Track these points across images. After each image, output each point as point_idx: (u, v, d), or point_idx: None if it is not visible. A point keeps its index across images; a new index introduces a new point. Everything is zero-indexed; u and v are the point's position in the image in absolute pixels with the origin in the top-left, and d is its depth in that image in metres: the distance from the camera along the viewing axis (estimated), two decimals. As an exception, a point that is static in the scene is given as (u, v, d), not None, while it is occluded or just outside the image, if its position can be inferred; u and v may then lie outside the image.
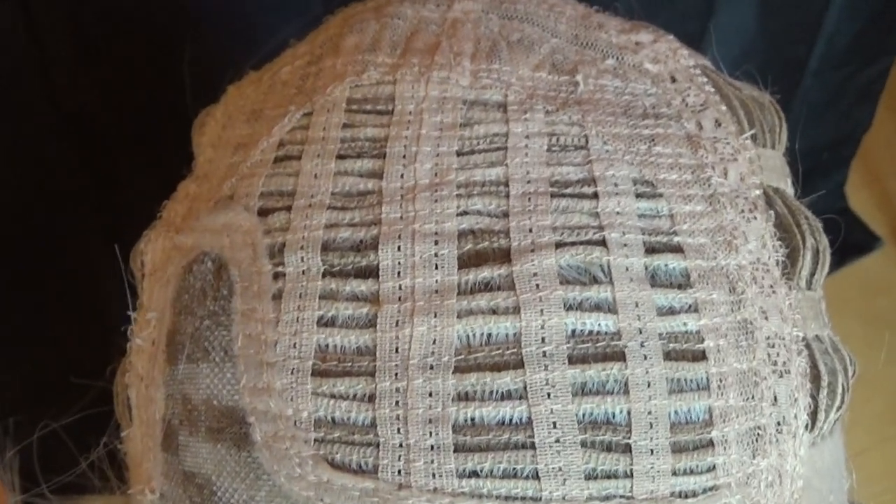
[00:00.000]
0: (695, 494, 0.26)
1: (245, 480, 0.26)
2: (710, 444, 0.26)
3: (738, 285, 0.28)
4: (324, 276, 0.27)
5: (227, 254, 0.28)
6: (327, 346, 0.26)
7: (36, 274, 0.67)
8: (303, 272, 0.27)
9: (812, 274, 0.30)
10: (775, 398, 0.27)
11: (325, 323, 0.27)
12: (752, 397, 0.27)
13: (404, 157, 0.29)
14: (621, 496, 0.26)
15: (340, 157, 0.29)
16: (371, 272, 0.27)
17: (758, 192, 0.30)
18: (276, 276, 0.27)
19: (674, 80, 0.32)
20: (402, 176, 0.28)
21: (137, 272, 0.31)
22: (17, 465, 0.38)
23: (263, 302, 0.27)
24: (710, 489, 0.26)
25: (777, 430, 0.27)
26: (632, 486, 0.26)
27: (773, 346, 0.28)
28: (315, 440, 0.26)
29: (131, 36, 0.60)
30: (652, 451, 0.26)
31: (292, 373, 0.26)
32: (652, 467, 0.26)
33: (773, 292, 0.28)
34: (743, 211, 0.29)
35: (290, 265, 0.27)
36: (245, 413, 0.27)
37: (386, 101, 0.30)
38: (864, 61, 1.02)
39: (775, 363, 0.28)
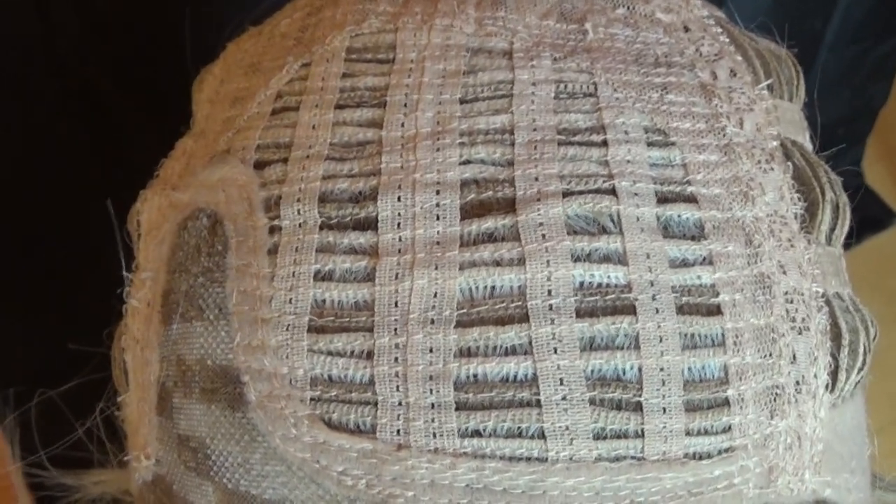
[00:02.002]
0: (709, 456, 0.25)
1: (240, 443, 0.26)
2: (726, 402, 0.26)
3: (755, 238, 0.27)
4: (321, 228, 0.26)
5: (223, 209, 0.27)
6: (324, 301, 0.26)
7: (41, 245, 0.67)
8: (299, 225, 0.26)
9: (832, 229, 0.29)
10: (794, 356, 0.26)
11: (322, 277, 0.26)
12: (770, 354, 0.26)
13: (405, 105, 0.28)
14: (632, 457, 0.25)
15: (339, 107, 0.28)
16: (370, 224, 0.26)
17: (775, 143, 0.29)
18: (272, 230, 0.26)
19: (687, 29, 0.31)
20: (402, 125, 0.27)
21: (134, 233, 0.30)
22: (18, 434, 0.38)
23: (259, 257, 0.26)
24: (726, 450, 0.26)
25: (796, 389, 0.26)
26: (643, 447, 0.25)
27: (792, 302, 0.27)
28: (311, 399, 0.25)
29: (135, 3, 0.60)
30: (664, 409, 0.25)
31: (287, 329, 0.26)
32: (664, 427, 0.25)
33: (792, 246, 0.27)
34: (759, 161, 0.28)
35: (287, 218, 0.26)
36: (239, 372, 0.26)
37: (387, 50, 0.29)
38: (880, 36, 1.01)
39: (794, 319, 0.27)
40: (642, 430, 0.25)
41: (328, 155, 0.27)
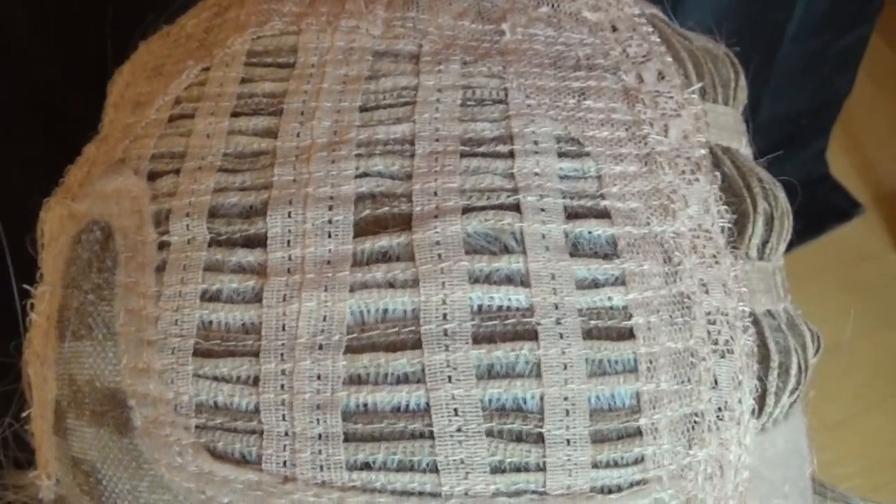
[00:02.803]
0: (619, 489, 0.24)
1: (128, 469, 0.25)
2: (638, 432, 0.24)
3: (675, 255, 0.25)
4: (209, 245, 0.25)
5: (115, 222, 0.26)
6: (211, 322, 0.24)
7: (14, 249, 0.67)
8: (188, 241, 0.25)
9: (765, 242, 0.28)
10: (715, 381, 0.25)
11: (210, 297, 0.24)
12: (688, 380, 0.25)
13: (302, 113, 0.26)
14: (533, 491, 0.23)
15: (235, 114, 0.26)
16: (259, 241, 0.25)
17: (702, 151, 0.27)
18: (161, 245, 0.25)
19: (614, 28, 0.29)
20: (297, 135, 0.26)
21: (39, 242, 0.29)
22: None
23: (146, 274, 0.25)
24: (638, 483, 0.24)
25: (718, 416, 0.25)
26: (545, 480, 0.23)
27: (714, 323, 0.25)
28: (196, 426, 0.24)
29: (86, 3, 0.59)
30: (568, 441, 0.23)
31: (173, 352, 0.24)
32: (568, 459, 0.23)
33: (716, 262, 0.26)
34: (683, 172, 0.27)
35: (175, 234, 0.25)
36: (126, 396, 0.25)
37: (288, 53, 0.27)
38: (842, 28, 1.02)
39: (716, 342, 0.25)
40: (544, 463, 0.23)
41: (221, 166, 0.26)
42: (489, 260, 0.24)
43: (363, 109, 0.26)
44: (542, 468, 0.23)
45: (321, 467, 0.23)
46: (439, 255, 0.24)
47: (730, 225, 0.27)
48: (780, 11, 0.94)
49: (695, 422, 0.25)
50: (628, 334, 0.24)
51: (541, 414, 0.23)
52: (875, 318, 1.12)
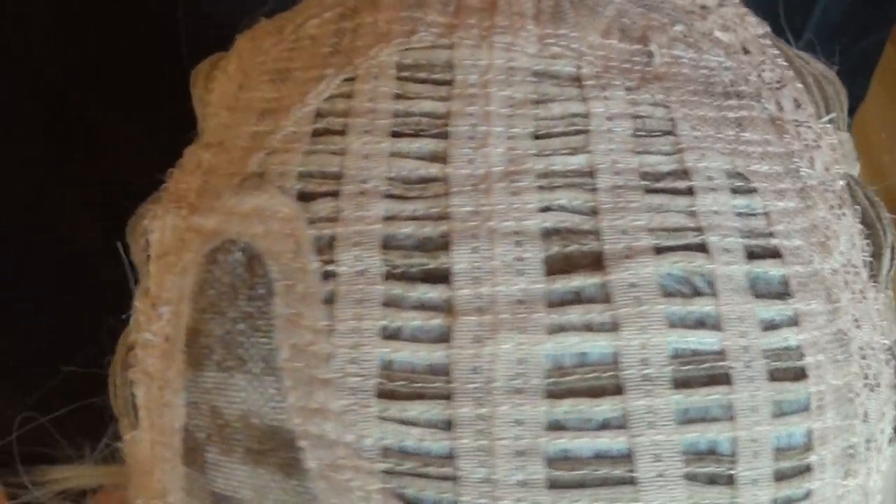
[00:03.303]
0: None
1: None
2: (808, 469, 0.24)
3: (833, 292, 0.26)
4: (386, 278, 0.23)
5: (262, 244, 0.24)
6: (391, 362, 0.23)
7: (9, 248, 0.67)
8: (359, 273, 0.23)
9: (888, 272, 0.28)
10: (866, 414, 0.26)
11: (390, 335, 0.23)
12: (847, 416, 0.25)
13: (472, 138, 0.25)
14: None
15: (395, 134, 0.25)
16: (441, 277, 0.23)
17: (842, 182, 0.28)
18: (326, 275, 0.24)
19: (746, 51, 0.29)
20: (470, 161, 0.24)
21: (139, 252, 0.28)
22: None
23: (312, 307, 0.23)
24: None
25: (867, 447, 0.26)
26: None
27: (865, 358, 0.26)
28: (383, 472, 0.23)
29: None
30: (755, 481, 0.24)
31: (353, 392, 0.23)
32: (754, 498, 0.24)
33: (864, 297, 0.26)
34: (832, 206, 0.27)
35: (344, 264, 0.24)
36: (294, 436, 0.23)
37: (443, 70, 0.26)
38: (857, 33, 1.02)
39: (867, 376, 0.26)
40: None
41: (387, 192, 0.24)
42: (684, 303, 0.24)
43: (536, 136, 0.25)
44: None
45: None
46: (637, 298, 0.23)
47: (871, 258, 0.27)
48: (796, 17, 0.94)
49: (851, 454, 0.25)
50: (802, 374, 0.25)
51: (733, 456, 0.24)
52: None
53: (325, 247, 0.24)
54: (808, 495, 0.24)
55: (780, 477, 0.24)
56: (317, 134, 0.26)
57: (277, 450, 0.24)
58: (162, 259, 0.27)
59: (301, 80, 0.27)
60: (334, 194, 0.25)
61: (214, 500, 0.24)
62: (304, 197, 0.25)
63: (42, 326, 0.68)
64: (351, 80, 0.26)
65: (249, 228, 0.25)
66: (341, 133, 0.25)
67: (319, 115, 0.26)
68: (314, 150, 0.26)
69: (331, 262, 0.24)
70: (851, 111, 1.26)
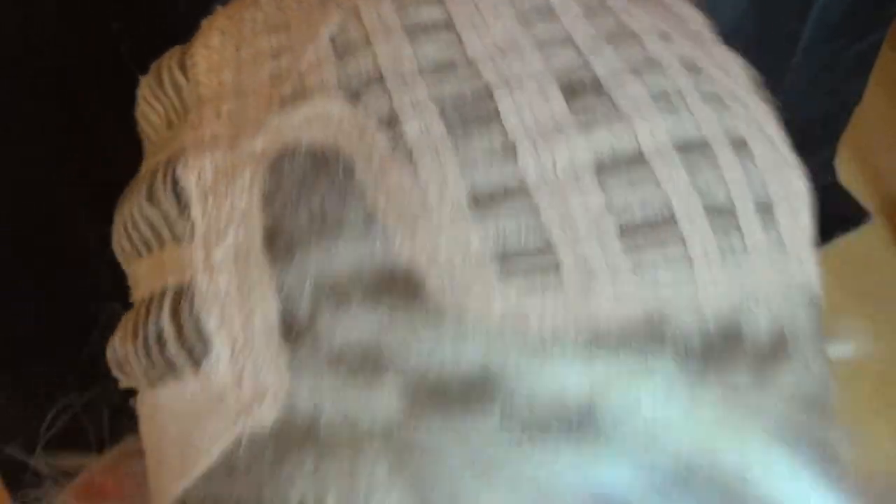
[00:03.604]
0: None
1: (421, 332, 0.25)
2: None
3: None
4: (448, 133, 0.26)
5: (325, 140, 0.26)
6: (474, 183, 0.25)
7: (14, 241, 0.67)
8: (425, 129, 0.26)
9: None
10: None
11: (467, 164, 0.25)
12: None
13: (474, 26, 0.28)
14: None
15: (410, 34, 0.28)
16: (492, 118, 0.26)
17: None
18: (396, 142, 0.26)
19: None
20: (479, 38, 0.27)
21: (175, 204, 0.29)
22: None
23: (394, 166, 0.26)
24: None
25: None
26: None
27: None
28: (494, 272, 0.25)
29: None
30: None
31: (452, 219, 0.25)
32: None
33: None
34: None
35: (410, 130, 0.26)
36: (410, 266, 0.25)
37: None
38: (855, 35, 1.02)
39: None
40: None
41: (422, 69, 0.27)
42: None
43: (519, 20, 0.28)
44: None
45: (613, 281, 0.25)
46: None
47: None
48: (794, 19, 0.94)
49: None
50: None
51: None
52: (883, 325, 1.12)
53: (386, 124, 0.26)
54: None
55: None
56: (338, 52, 0.28)
57: (396, 285, 0.25)
58: (210, 194, 0.28)
59: (304, 21, 0.29)
60: (379, 83, 0.27)
61: (332, 363, 0.26)
62: (351, 95, 0.27)
63: (41, 325, 0.68)
64: (355, 10, 0.29)
65: (308, 133, 0.27)
66: (365, 44, 0.28)
67: (334, 40, 0.28)
68: (344, 62, 0.27)
69: (399, 132, 0.26)
70: (848, 113, 1.26)
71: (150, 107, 0.33)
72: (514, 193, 0.25)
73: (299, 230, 0.26)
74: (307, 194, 0.26)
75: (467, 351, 0.25)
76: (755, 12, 0.87)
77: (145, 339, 0.29)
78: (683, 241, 0.26)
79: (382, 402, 0.25)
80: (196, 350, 0.28)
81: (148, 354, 0.29)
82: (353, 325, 0.25)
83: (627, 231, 0.25)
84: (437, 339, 0.25)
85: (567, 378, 0.25)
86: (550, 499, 0.25)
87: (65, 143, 0.66)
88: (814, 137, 1.09)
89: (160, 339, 0.28)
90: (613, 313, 0.25)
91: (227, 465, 0.27)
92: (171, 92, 0.32)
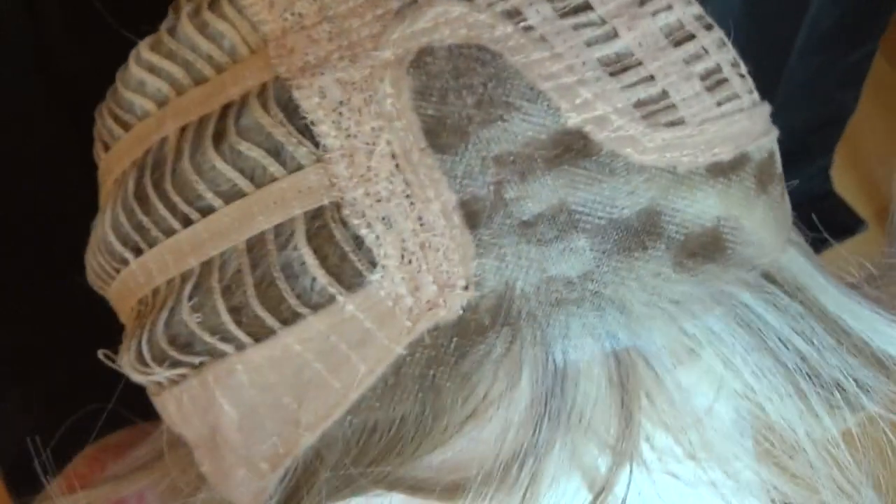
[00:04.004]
0: None
1: (598, 180, 0.27)
2: None
3: None
4: (561, 17, 0.28)
5: (467, 35, 0.28)
6: (599, 57, 0.28)
7: (21, 237, 0.67)
8: (545, 19, 0.28)
9: None
10: None
11: (588, 41, 0.28)
12: None
13: None
14: None
15: None
16: (587, 4, 0.29)
17: None
18: (525, 29, 0.27)
19: None
20: None
21: (282, 136, 0.28)
22: None
23: (534, 48, 0.27)
24: None
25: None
26: None
27: None
28: (640, 117, 0.28)
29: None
30: None
31: (596, 81, 0.28)
32: None
33: None
34: None
35: (531, 17, 0.28)
36: (577, 127, 0.27)
37: None
38: (848, 45, 1.02)
39: None
40: None
41: None
42: None
43: None
44: None
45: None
46: None
47: None
48: (786, 28, 0.95)
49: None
50: None
51: None
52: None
53: (507, 16, 0.28)
54: None
55: None
56: None
57: (570, 146, 0.27)
58: (339, 111, 0.28)
59: None
60: None
61: (522, 230, 0.27)
62: None
63: (50, 333, 0.68)
64: None
65: (438, 33, 0.28)
66: None
67: None
68: None
69: (522, 21, 0.28)
70: (842, 123, 1.26)
71: (164, 67, 0.31)
72: (629, 59, 0.28)
73: (467, 117, 0.27)
74: (466, 83, 0.27)
75: (637, 192, 0.27)
76: (747, 21, 0.87)
77: (262, 283, 0.28)
78: (737, 95, 0.30)
79: (569, 260, 0.27)
80: (350, 271, 0.27)
81: (266, 299, 0.28)
82: (541, 192, 0.27)
83: (707, 79, 0.29)
84: (613, 187, 0.27)
85: (704, 204, 0.28)
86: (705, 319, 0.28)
87: (84, 148, 0.66)
88: (809, 146, 1.09)
89: (291, 274, 0.27)
90: (723, 147, 0.29)
91: (391, 384, 0.27)
92: (205, 44, 0.30)
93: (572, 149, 0.27)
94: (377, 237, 0.27)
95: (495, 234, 0.27)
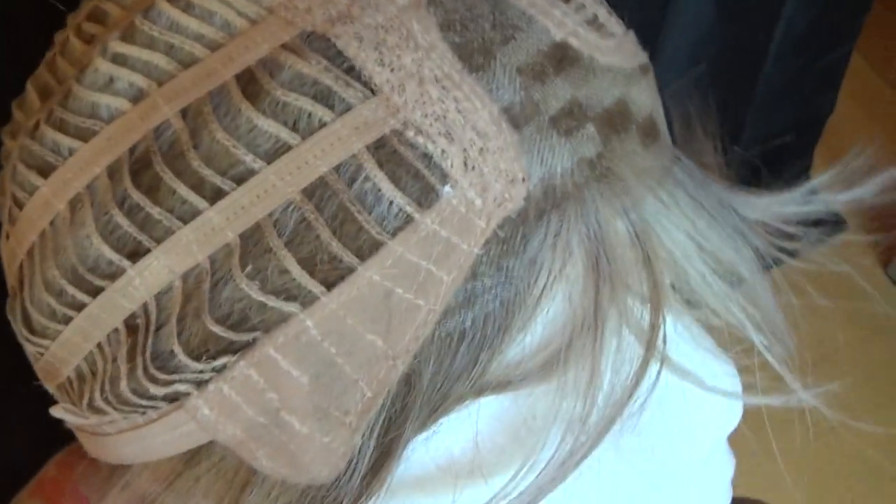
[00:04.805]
0: None
1: (596, 81, 0.32)
2: None
3: None
4: None
5: None
6: None
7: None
8: None
9: None
10: None
11: None
12: None
13: None
14: None
15: None
16: None
17: None
18: None
19: None
20: None
21: (329, 81, 0.29)
22: None
23: None
24: None
25: None
26: None
27: None
28: (593, 31, 0.32)
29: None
30: None
31: (561, 5, 0.32)
32: None
33: None
34: None
35: None
36: (563, 39, 0.32)
37: None
38: (823, 47, 1.03)
39: None
40: None
41: None
42: None
43: None
44: None
45: None
46: None
47: None
48: (760, 32, 0.95)
49: None
50: None
51: None
52: (860, 331, 1.13)
53: None
54: None
55: None
56: None
57: (563, 57, 0.32)
58: (379, 50, 0.30)
59: None
60: None
61: (553, 124, 0.31)
62: None
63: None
64: None
65: None
66: None
67: None
68: None
69: None
70: (821, 124, 1.26)
71: (142, 57, 0.31)
72: None
73: (488, 39, 0.31)
74: (478, 13, 0.31)
75: (612, 86, 0.32)
76: (722, 26, 0.88)
77: (335, 221, 0.29)
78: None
79: (587, 144, 0.31)
80: (423, 188, 0.29)
81: (341, 237, 0.28)
82: (557, 91, 0.31)
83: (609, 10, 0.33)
84: (598, 83, 0.32)
85: (645, 95, 0.33)
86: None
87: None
88: (788, 147, 1.10)
89: (366, 205, 0.29)
90: (640, 54, 0.34)
91: (471, 287, 0.30)
92: (194, 24, 0.31)
93: (566, 56, 0.32)
94: (443, 151, 0.29)
95: (534, 132, 0.30)
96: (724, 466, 0.37)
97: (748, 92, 0.96)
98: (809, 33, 0.98)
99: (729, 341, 0.36)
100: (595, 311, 0.31)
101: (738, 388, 0.35)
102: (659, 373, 0.32)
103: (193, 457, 0.32)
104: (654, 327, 0.32)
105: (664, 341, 0.32)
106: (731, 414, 0.35)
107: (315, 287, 0.28)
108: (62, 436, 0.35)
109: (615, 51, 0.33)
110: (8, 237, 0.33)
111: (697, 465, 0.36)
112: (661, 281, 0.32)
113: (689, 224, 0.34)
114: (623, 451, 0.34)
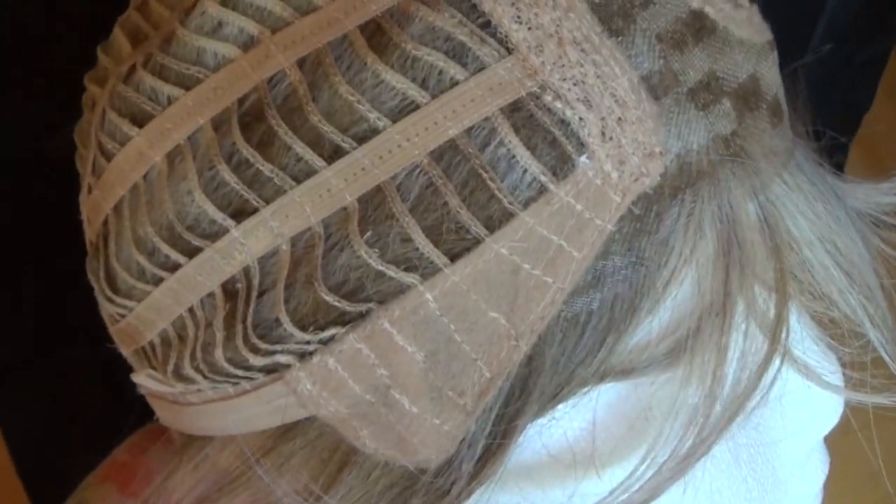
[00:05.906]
0: None
1: (732, 54, 0.30)
2: None
3: None
4: None
5: None
6: None
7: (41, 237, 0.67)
8: None
9: None
10: None
11: None
12: None
13: None
14: None
15: None
16: None
17: None
18: None
19: None
20: None
21: (466, 38, 0.27)
22: None
23: None
24: None
25: None
26: None
27: None
28: (746, 9, 0.32)
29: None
30: None
31: None
32: None
33: None
34: None
35: None
36: (699, 7, 0.29)
37: None
38: (863, 41, 1.02)
39: None
40: None
41: None
42: None
43: None
44: None
45: None
46: None
47: None
48: (803, 23, 0.94)
49: None
50: None
51: None
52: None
53: None
54: None
55: None
56: None
57: (701, 25, 0.30)
58: (517, 7, 0.27)
59: None
60: None
61: (691, 96, 0.29)
62: None
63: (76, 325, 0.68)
64: None
65: None
66: None
67: None
68: None
69: None
70: (859, 119, 1.25)
71: (254, 2, 0.28)
72: None
73: (628, 1, 0.28)
74: None
75: (746, 60, 0.30)
76: (765, 16, 0.87)
77: (465, 188, 0.27)
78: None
79: (723, 120, 0.29)
80: (559, 157, 0.27)
81: (471, 205, 0.27)
82: (696, 62, 0.29)
83: None
84: (733, 56, 0.30)
85: (772, 73, 0.32)
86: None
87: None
88: (824, 144, 1.08)
89: (499, 172, 0.27)
90: (766, 29, 0.32)
91: (601, 265, 0.28)
92: None
93: (704, 26, 0.29)
94: (581, 118, 0.27)
95: (672, 104, 0.28)
96: (820, 467, 0.35)
97: (787, 84, 0.95)
98: (850, 28, 0.97)
99: (846, 336, 0.34)
100: (724, 297, 0.29)
101: (842, 384, 0.33)
102: (781, 366, 0.29)
103: (286, 432, 0.30)
104: (779, 319, 0.29)
105: (787, 334, 0.30)
106: (836, 412, 0.33)
107: (438, 258, 0.26)
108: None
109: (747, 23, 0.30)
110: (91, 190, 0.31)
111: (797, 465, 0.34)
112: (788, 270, 0.30)
113: (811, 210, 0.31)
114: (737, 449, 0.33)
